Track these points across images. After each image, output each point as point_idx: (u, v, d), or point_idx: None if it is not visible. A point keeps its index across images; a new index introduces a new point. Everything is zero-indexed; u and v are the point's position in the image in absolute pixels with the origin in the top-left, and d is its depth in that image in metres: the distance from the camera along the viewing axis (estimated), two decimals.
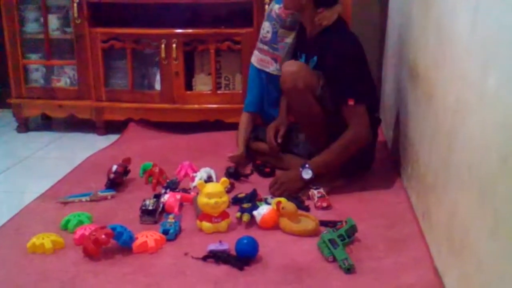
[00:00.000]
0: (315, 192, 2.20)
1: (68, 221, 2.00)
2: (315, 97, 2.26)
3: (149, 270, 1.73)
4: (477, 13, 1.41)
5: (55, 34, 3.30)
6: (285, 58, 2.56)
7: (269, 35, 2.65)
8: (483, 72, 1.33)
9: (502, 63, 1.22)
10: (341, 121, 2.23)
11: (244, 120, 2.74)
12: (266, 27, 2.67)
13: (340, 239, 1.79)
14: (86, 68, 3.24)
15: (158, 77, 3.23)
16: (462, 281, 1.44)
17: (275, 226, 1.97)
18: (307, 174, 2.24)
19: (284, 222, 1.96)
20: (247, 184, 2.39)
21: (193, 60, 3.22)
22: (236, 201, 2.16)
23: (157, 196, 2.17)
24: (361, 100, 2.22)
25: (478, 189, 1.33)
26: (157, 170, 2.41)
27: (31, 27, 3.32)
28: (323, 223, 1.97)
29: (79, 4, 3.13)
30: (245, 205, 2.06)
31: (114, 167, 2.37)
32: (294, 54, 2.53)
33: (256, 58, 2.74)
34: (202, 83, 3.22)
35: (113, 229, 1.81)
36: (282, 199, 2.08)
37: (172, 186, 2.32)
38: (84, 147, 3.01)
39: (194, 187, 2.29)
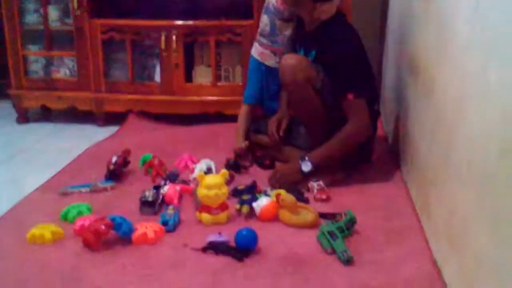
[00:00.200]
0: (314, 184, 2.20)
1: (68, 212, 2.00)
2: (315, 90, 2.25)
3: (148, 261, 1.73)
4: (477, 8, 1.41)
5: (55, 25, 3.29)
6: (284, 51, 2.55)
7: (267, 28, 2.65)
8: (483, 67, 1.33)
9: (502, 58, 1.22)
10: (341, 114, 2.23)
11: (243, 112, 2.74)
12: (265, 20, 2.66)
13: (339, 231, 1.79)
14: (86, 60, 3.23)
15: (158, 69, 3.23)
16: (461, 273, 1.45)
17: (275, 218, 1.98)
18: (306, 167, 2.24)
19: (284, 214, 1.97)
20: (246, 176, 2.39)
21: (193, 52, 3.22)
22: (235, 193, 2.16)
23: (157, 188, 2.17)
24: (361, 94, 2.21)
25: (477, 183, 1.33)
26: (156, 161, 2.41)
27: (31, 18, 3.32)
28: (323, 215, 1.98)
29: None
30: (245, 197, 2.07)
31: (114, 159, 2.37)
32: (293, 46, 2.52)
33: (256, 51, 2.74)
34: (202, 75, 3.21)
35: (113, 220, 1.81)
36: (282, 191, 2.08)
37: (172, 177, 2.32)
38: (83, 138, 3.01)
39: (194, 178, 2.29)
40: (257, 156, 2.57)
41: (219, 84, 3.18)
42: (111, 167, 2.35)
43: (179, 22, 3.13)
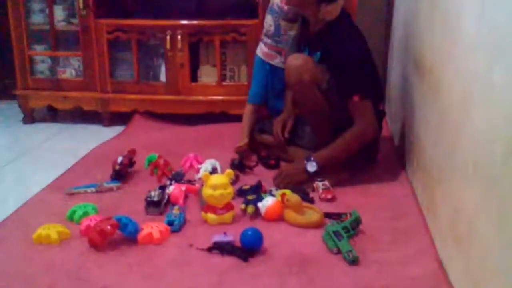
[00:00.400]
0: (319, 184, 2.20)
1: (74, 212, 2.01)
2: (320, 91, 2.25)
3: (154, 261, 1.73)
4: (483, 6, 1.40)
5: (61, 25, 3.30)
6: (289, 51, 2.55)
7: (272, 29, 2.65)
8: (489, 67, 1.32)
9: (508, 58, 1.21)
10: (346, 115, 2.23)
11: (248, 111, 2.75)
12: (269, 20, 2.66)
13: (345, 231, 1.79)
14: (92, 60, 3.24)
15: (163, 69, 3.23)
16: (466, 273, 1.44)
17: (280, 218, 1.98)
18: (311, 167, 2.24)
19: (289, 214, 1.97)
20: (251, 176, 2.39)
21: (198, 52, 3.22)
22: (240, 192, 2.17)
23: (162, 188, 2.17)
24: (367, 95, 2.21)
25: (483, 182, 1.33)
26: (162, 161, 2.41)
27: (37, 18, 3.33)
28: (328, 215, 1.98)
29: None
30: (250, 197, 2.07)
31: (120, 159, 2.37)
32: (298, 47, 2.52)
33: (261, 51, 2.74)
34: (207, 75, 3.22)
35: (119, 220, 1.82)
36: (287, 191, 2.08)
37: (177, 177, 2.32)
38: (89, 138, 3.02)
39: (199, 178, 2.29)
40: (262, 156, 2.58)
41: (224, 83, 3.19)
42: (117, 167, 2.35)
43: (184, 22, 3.13)
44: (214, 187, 1.95)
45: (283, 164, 2.49)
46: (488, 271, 1.27)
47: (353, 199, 2.15)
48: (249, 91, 2.83)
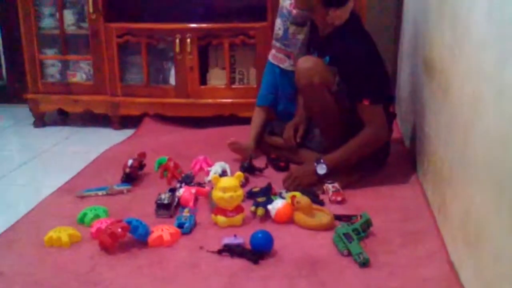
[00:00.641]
0: (329, 186, 2.20)
1: (84, 215, 2.02)
2: (330, 94, 2.25)
3: (164, 263, 1.74)
4: (492, 4, 1.40)
5: (71, 29, 3.32)
6: (298, 54, 2.55)
7: (280, 32, 2.65)
8: (500, 65, 1.31)
9: None
10: (356, 117, 2.22)
11: (256, 114, 2.75)
12: (278, 24, 2.67)
13: (355, 233, 1.78)
14: (102, 63, 3.26)
15: (172, 72, 3.24)
16: (478, 275, 1.43)
17: (290, 220, 1.97)
18: (321, 170, 2.23)
19: (299, 216, 1.96)
20: (261, 178, 2.39)
21: (207, 55, 3.23)
22: (250, 195, 2.16)
23: (172, 190, 2.18)
24: (377, 99, 2.20)
25: (494, 183, 1.32)
26: (172, 164, 2.42)
27: (47, 23, 3.35)
28: (338, 217, 1.97)
29: None
30: (260, 199, 2.07)
31: (130, 162, 2.38)
32: (307, 50, 2.52)
33: (271, 54, 2.75)
34: (217, 78, 3.22)
35: (129, 222, 1.82)
36: (297, 193, 2.08)
37: (187, 180, 2.33)
38: (100, 141, 3.04)
39: (209, 181, 2.29)
40: (272, 158, 2.57)
41: (233, 86, 3.19)
42: (127, 170, 2.36)
43: (194, 25, 3.14)
44: (224, 190, 1.95)
45: (293, 166, 2.49)
46: (500, 273, 1.26)
47: (363, 201, 2.15)
48: (258, 94, 2.83)
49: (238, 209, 1.99)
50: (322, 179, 2.24)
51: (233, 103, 3.17)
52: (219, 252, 1.77)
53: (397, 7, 3.40)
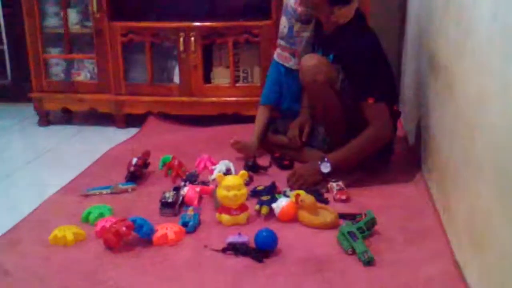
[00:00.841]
0: (334, 185, 2.20)
1: (89, 214, 2.02)
2: (335, 91, 2.24)
3: (169, 262, 1.74)
4: (498, 2, 1.39)
5: (75, 28, 3.33)
6: (303, 52, 2.55)
7: (285, 30, 2.65)
8: (505, 62, 1.31)
9: None
10: (361, 116, 2.22)
11: (260, 113, 2.75)
12: (283, 22, 2.67)
13: (360, 232, 1.78)
14: (106, 62, 3.26)
15: (176, 70, 3.24)
16: (482, 274, 1.43)
17: (294, 219, 1.97)
18: (325, 168, 2.23)
19: (303, 215, 1.96)
20: (265, 177, 2.39)
21: (211, 53, 3.23)
22: (255, 193, 2.16)
23: (177, 189, 2.18)
24: (381, 98, 2.20)
25: (500, 182, 1.31)
26: (176, 163, 2.42)
27: (51, 22, 3.36)
28: (342, 216, 1.97)
29: None
30: (264, 198, 2.07)
31: (134, 160, 2.39)
32: (312, 48, 2.51)
33: (276, 53, 2.75)
34: (221, 76, 3.22)
35: (134, 221, 1.83)
36: (301, 192, 2.08)
37: (192, 178, 2.33)
38: (104, 140, 3.04)
39: (213, 179, 2.29)
40: (276, 157, 2.57)
41: (237, 85, 3.19)
42: (132, 168, 2.36)
43: (198, 24, 3.14)
44: (228, 188, 1.95)
45: (297, 164, 2.49)
46: (506, 272, 1.26)
47: (367, 199, 2.14)
48: (262, 92, 2.83)
49: (243, 208, 1.99)
50: (326, 178, 2.24)
51: (237, 101, 3.17)
52: (224, 250, 1.77)
53: (401, 5, 3.39)
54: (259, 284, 1.61)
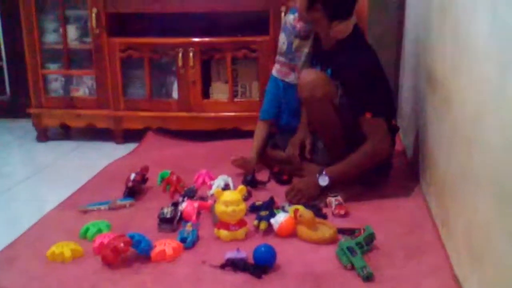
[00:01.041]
0: (332, 200, 2.19)
1: (87, 230, 2.02)
2: (333, 106, 2.25)
3: (167, 278, 1.73)
4: (495, 16, 1.40)
5: (74, 44, 3.34)
6: (302, 67, 2.56)
7: (284, 47, 2.66)
8: (502, 76, 1.31)
9: None
10: (359, 130, 2.22)
11: (258, 128, 2.75)
12: (282, 39, 2.68)
13: (359, 247, 1.78)
14: (105, 78, 3.27)
15: (175, 86, 3.25)
16: None
17: (293, 234, 1.97)
18: (323, 181, 2.23)
19: (302, 230, 1.96)
20: (264, 192, 2.38)
21: (209, 69, 3.24)
22: (253, 209, 2.16)
23: (175, 204, 2.17)
24: (379, 113, 2.21)
25: (498, 195, 1.32)
26: (174, 178, 2.42)
27: (50, 38, 3.37)
28: (341, 231, 1.96)
29: (97, 14, 3.16)
30: (263, 213, 2.06)
31: (133, 176, 2.38)
32: (310, 63, 2.52)
33: (275, 69, 2.76)
34: (219, 91, 3.23)
35: (132, 237, 1.82)
36: (300, 207, 2.07)
37: (190, 194, 2.33)
38: (102, 156, 3.04)
39: (212, 195, 2.29)
40: (275, 172, 2.57)
41: (236, 100, 3.20)
42: (130, 184, 2.36)
43: (196, 39, 3.15)
44: (227, 204, 1.95)
45: (295, 179, 2.48)
46: (505, 286, 1.25)
47: (366, 214, 2.14)
48: (260, 107, 2.83)
49: (241, 223, 1.98)
50: (324, 192, 2.24)
51: (236, 116, 3.17)
52: (222, 266, 1.76)
53: (399, 20, 3.41)
54: None
